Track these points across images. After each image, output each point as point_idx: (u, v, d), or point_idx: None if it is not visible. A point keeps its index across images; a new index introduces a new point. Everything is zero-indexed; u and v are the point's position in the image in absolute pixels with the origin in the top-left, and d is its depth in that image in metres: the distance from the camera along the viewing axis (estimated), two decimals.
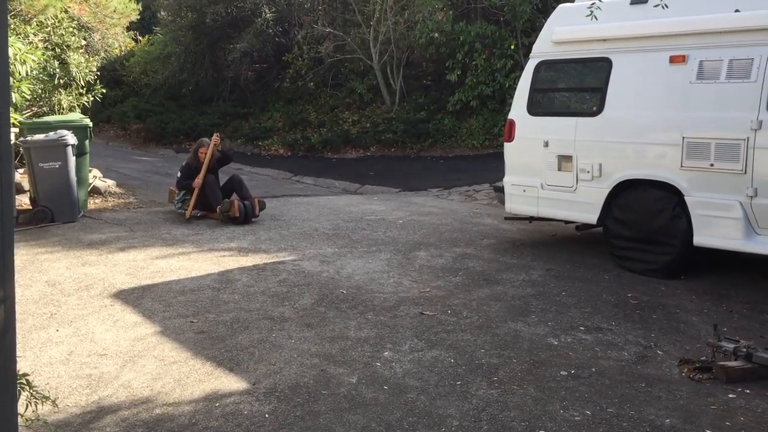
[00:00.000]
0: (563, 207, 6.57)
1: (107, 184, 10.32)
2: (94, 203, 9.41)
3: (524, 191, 6.81)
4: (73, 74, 10.41)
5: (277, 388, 3.89)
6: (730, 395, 3.83)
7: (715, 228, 5.50)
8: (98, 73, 11.33)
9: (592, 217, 6.33)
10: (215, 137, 8.54)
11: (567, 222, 7.17)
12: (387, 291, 5.61)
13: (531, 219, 7.19)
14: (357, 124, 15.71)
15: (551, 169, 6.56)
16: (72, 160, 8.02)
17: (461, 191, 10.76)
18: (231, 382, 3.97)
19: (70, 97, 10.34)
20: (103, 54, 17.06)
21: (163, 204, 9.75)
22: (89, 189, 9.29)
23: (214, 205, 8.25)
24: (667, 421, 3.54)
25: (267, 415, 3.59)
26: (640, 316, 5.04)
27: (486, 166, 12.14)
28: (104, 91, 11.11)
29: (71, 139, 8.01)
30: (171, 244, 7.08)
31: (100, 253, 6.67)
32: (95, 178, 10.11)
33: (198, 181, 8.32)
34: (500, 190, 7.22)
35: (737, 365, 4.02)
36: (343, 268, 6.25)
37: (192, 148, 8.75)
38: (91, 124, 8.79)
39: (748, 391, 3.88)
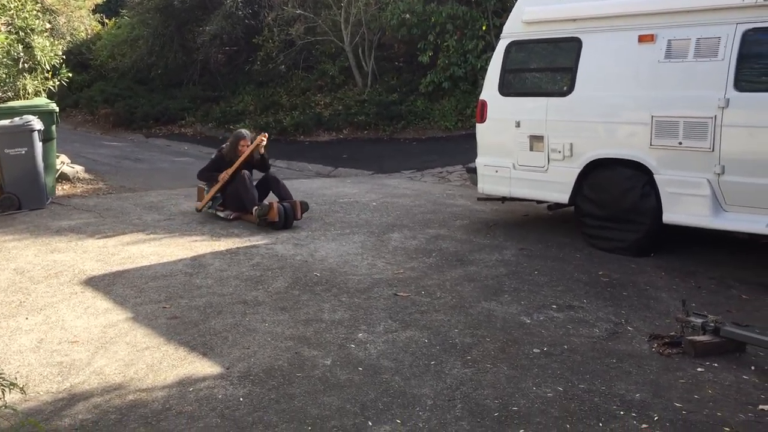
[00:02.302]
0: (535, 187, 6.61)
1: (75, 170, 10.16)
2: (62, 189, 9.27)
3: (496, 172, 6.83)
4: (38, 58, 10.19)
5: (252, 371, 3.89)
6: (699, 369, 3.91)
7: (684, 205, 5.58)
8: (64, 57, 11.10)
9: (563, 196, 6.38)
10: (261, 137, 7.45)
11: (539, 202, 7.22)
12: (361, 273, 5.61)
13: (503, 199, 7.23)
14: (329, 106, 15.63)
15: (523, 150, 6.59)
16: (38, 145, 7.87)
17: (434, 173, 10.78)
18: (205, 367, 3.95)
19: (36, 82, 10.13)
20: (68, 38, 16.74)
21: (134, 189, 9.64)
22: (57, 175, 9.14)
23: (249, 206, 7.18)
24: (637, 395, 3.60)
25: (242, 399, 3.58)
26: (610, 294, 5.10)
27: (459, 147, 12.16)
28: (70, 75, 10.91)
29: (37, 124, 7.85)
30: (142, 229, 7.00)
31: (70, 240, 6.57)
32: (63, 164, 9.95)
33: (224, 174, 7.34)
34: (473, 171, 7.24)
35: (705, 340, 4.10)
36: (317, 251, 6.23)
37: (229, 141, 7.64)
38: (57, 109, 8.63)
39: (716, 364, 3.96)
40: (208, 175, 7.55)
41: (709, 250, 6.13)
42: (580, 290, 5.18)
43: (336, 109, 15.38)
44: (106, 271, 5.64)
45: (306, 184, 9.80)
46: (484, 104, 6.92)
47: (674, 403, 3.51)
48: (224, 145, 7.68)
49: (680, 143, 5.53)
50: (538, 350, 4.15)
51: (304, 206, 7.18)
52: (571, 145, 6.22)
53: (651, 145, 5.71)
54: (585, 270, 5.64)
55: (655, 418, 3.36)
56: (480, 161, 7.03)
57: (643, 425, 3.30)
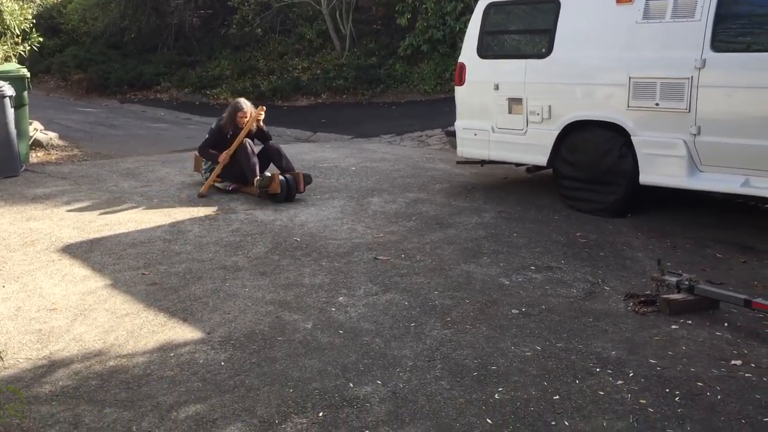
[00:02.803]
0: (514, 150, 6.62)
1: (49, 136, 10.00)
2: (36, 157, 9.13)
3: (475, 135, 6.83)
4: (7, 23, 9.92)
5: (233, 336, 3.90)
6: (673, 326, 3.98)
7: (660, 166, 5.62)
8: (34, 22, 10.82)
9: (542, 159, 6.40)
10: (259, 111, 7.12)
11: (518, 164, 7.25)
12: (341, 237, 5.61)
13: (483, 162, 7.24)
14: (307, 71, 15.47)
15: (502, 112, 6.58)
16: (10, 112, 7.71)
17: (413, 137, 10.75)
18: (185, 332, 3.96)
19: (5, 47, 9.89)
20: (38, 1, 16.32)
21: (110, 156, 9.52)
22: (30, 142, 8.98)
23: (250, 177, 6.83)
24: (613, 352, 3.67)
25: (223, 363, 3.60)
26: (588, 254, 5.16)
27: (438, 111, 12.12)
28: (41, 40, 10.66)
29: (8, 90, 7.68)
30: (119, 196, 6.93)
31: (45, 208, 6.49)
32: (36, 130, 9.77)
33: (225, 156, 6.93)
34: (452, 134, 7.23)
35: (680, 298, 4.17)
36: (297, 216, 6.22)
37: (227, 111, 7.20)
38: (28, 75, 8.43)
39: (689, 322, 4.04)
40: (208, 152, 7.12)
41: (685, 210, 6.20)
42: (558, 251, 5.23)
43: (314, 73, 15.23)
44: (84, 239, 5.59)
45: (285, 150, 9.70)
46: (462, 67, 6.89)
47: (649, 360, 3.58)
48: (222, 116, 7.25)
49: (657, 104, 5.56)
50: (517, 311, 4.21)
51: (307, 179, 6.82)
52: (550, 107, 6.22)
53: (628, 106, 5.73)
54: (563, 231, 5.69)
55: (631, 375, 3.43)
56: (459, 124, 7.02)
57: (619, 381, 3.37)
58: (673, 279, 4.26)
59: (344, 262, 5.06)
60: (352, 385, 3.38)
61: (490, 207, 6.45)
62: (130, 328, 4.01)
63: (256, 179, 6.72)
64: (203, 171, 7.27)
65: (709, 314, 4.14)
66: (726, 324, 4.02)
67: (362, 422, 3.07)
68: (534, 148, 6.41)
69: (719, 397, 3.22)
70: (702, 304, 4.17)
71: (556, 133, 6.22)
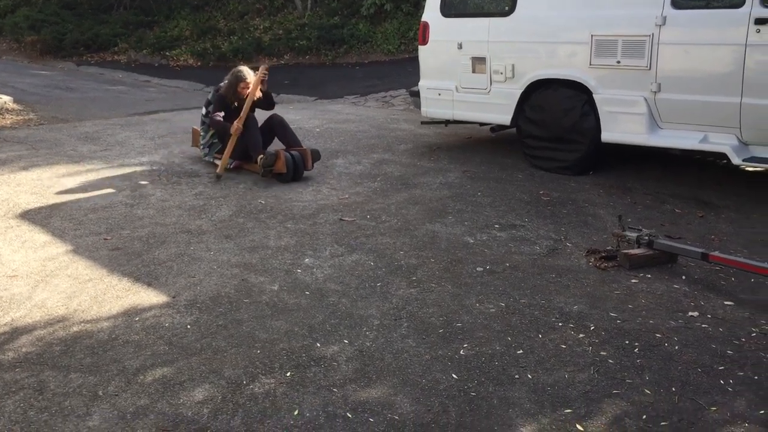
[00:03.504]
0: (478, 109, 6.63)
1: (3, 100, 9.72)
2: None
3: (439, 95, 6.81)
4: None
5: (198, 299, 3.89)
6: (633, 280, 4.08)
7: (622, 124, 5.69)
8: None
9: (505, 118, 6.43)
10: (262, 70, 6.39)
11: (482, 124, 7.27)
12: (306, 199, 5.59)
13: (447, 122, 7.24)
14: (269, 31, 15.20)
15: (465, 72, 6.56)
16: None
17: (378, 97, 10.68)
18: (150, 297, 3.93)
19: None
20: None
21: (67, 120, 9.29)
22: None
23: (253, 153, 6.18)
24: (575, 307, 3.75)
25: (189, 326, 3.59)
26: (551, 212, 5.23)
27: (402, 71, 12.05)
28: None
29: None
30: (78, 161, 6.78)
31: (2, 173, 6.33)
32: None
33: (238, 125, 6.13)
34: (416, 94, 7.20)
35: (639, 252, 4.26)
36: (261, 178, 6.16)
37: (227, 81, 6.42)
38: None
39: (649, 276, 4.14)
40: (219, 123, 6.29)
41: (645, 167, 6.30)
42: (521, 209, 5.29)
43: (276, 33, 14.97)
44: (42, 204, 5.48)
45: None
46: (426, 26, 6.83)
47: (609, 313, 3.67)
48: (221, 85, 6.51)
49: (618, 62, 5.59)
50: (481, 268, 4.26)
51: (315, 155, 6.18)
52: (513, 66, 6.22)
53: (590, 64, 5.75)
54: (526, 190, 5.74)
55: (592, 328, 3.51)
56: (423, 84, 6.99)
57: (580, 335, 3.45)
58: (633, 234, 4.34)
59: (309, 223, 5.05)
60: (319, 345, 3.40)
61: (455, 167, 6.48)
62: (93, 294, 3.97)
63: (260, 157, 6.04)
64: (201, 146, 6.66)
65: (668, 268, 4.24)
66: (684, 277, 4.12)
67: (330, 381, 3.10)
68: (498, 107, 6.43)
69: (676, 347, 3.32)
70: (661, 258, 4.27)
71: (520, 92, 6.23)
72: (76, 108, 10.33)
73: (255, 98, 6.30)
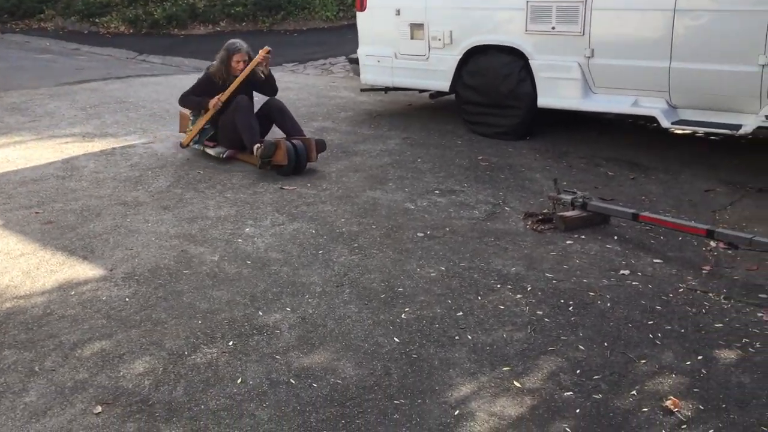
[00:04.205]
0: (417, 76, 6.64)
1: None
2: None
3: (378, 61, 6.79)
4: None
5: (136, 271, 3.82)
6: (568, 242, 4.20)
7: (557, 89, 5.78)
8: None
9: (444, 84, 6.45)
10: (263, 53, 5.63)
11: (421, 91, 7.28)
12: (245, 169, 5.53)
13: (387, 89, 7.23)
14: None
15: (404, 38, 6.55)
16: None
17: (317, 65, 10.57)
18: (86, 270, 3.84)
19: None
20: None
21: None
22: None
23: (248, 142, 5.43)
24: (513, 269, 3.84)
25: (128, 299, 3.54)
26: (489, 177, 5.31)
27: (341, 38, 11.92)
28: None
29: None
30: (5, 133, 6.52)
31: None
32: None
33: (216, 100, 5.57)
34: (355, 61, 7.16)
35: (574, 214, 4.38)
36: (199, 148, 6.05)
37: (218, 56, 5.77)
38: None
39: (583, 237, 4.27)
40: (192, 100, 5.75)
41: (580, 131, 6.44)
42: (461, 175, 5.35)
43: None
44: None
45: (184, 81, 9.36)
46: None
47: (546, 274, 3.77)
48: (212, 63, 5.86)
49: (553, 28, 5.66)
50: (422, 234, 4.31)
51: (321, 145, 5.47)
52: (451, 32, 6.24)
53: (526, 30, 5.81)
54: (465, 155, 5.81)
55: (529, 289, 3.61)
56: (362, 51, 6.95)
57: (518, 296, 3.55)
58: (568, 197, 4.46)
59: (250, 193, 5.01)
60: (261, 313, 3.40)
61: (395, 134, 6.49)
62: (26, 269, 3.86)
63: (256, 147, 5.30)
64: (194, 141, 5.91)
65: (601, 229, 4.38)
66: (616, 237, 4.27)
67: (272, 348, 3.11)
68: (436, 73, 6.45)
69: (609, 304, 3.45)
70: (594, 219, 4.41)
71: (458, 58, 6.26)
72: (1, 78, 9.88)
73: (255, 79, 5.68)
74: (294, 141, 5.37)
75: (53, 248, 4.11)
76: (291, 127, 5.63)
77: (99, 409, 2.71)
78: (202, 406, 2.72)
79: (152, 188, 5.09)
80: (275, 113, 5.71)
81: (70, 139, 6.30)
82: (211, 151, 5.76)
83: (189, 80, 8.09)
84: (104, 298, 3.55)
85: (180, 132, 6.22)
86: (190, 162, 5.67)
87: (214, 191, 5.04)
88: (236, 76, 5.61)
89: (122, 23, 14.48)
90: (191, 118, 5.89)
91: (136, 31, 14.24)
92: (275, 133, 5.83)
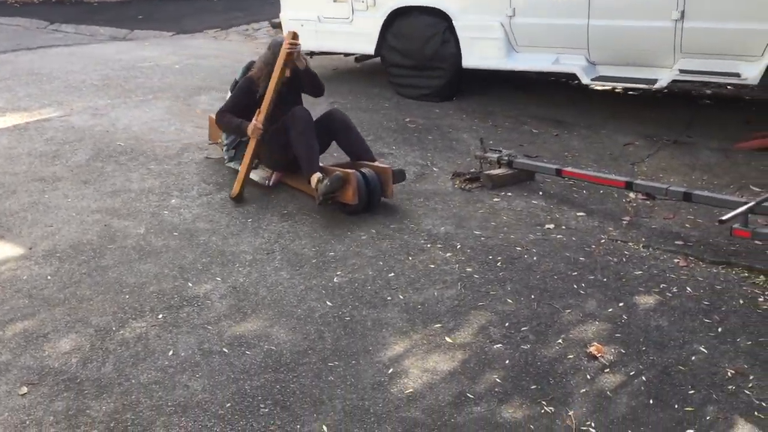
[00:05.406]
0: (342, 39, 6.57)
1: None
2: None
3: (302, 26, 6.66)
4: None
5: (57, 249, 3.70)
6: (495, 199, 4.27)
7: (481, 50, 5.83)
8: None
9: (369, 47, 6.41)
10: (288, 39, 4.13)
11: (347, 54, 7.21)
12: (169, 139, 5.38)
13: (312, 54, 7.11)
14: None
15: (327, 1, 6.45)
16: None
17: (240, 31, 10.32)
18: (4, 250, 3.69)
19: None
20: None
21: None
22: None
23: (307, 169, 4.09)
24: (442, 228, 3.89)
25: (50, 277, 3.42)
26: (417, 139, 5.34)
27: (264, 2, 11.63)
28: None
29: None
30: None
31: None
32: None
33: (252, 126, 4.21)
34: (278, 26, 7.02)
35: (500, 172, 4.46)
36: (119, 119, 5.85)
37: (261, 55, 4.44)
38: None
39: (510, 194, 4.35)
40: (229, 123, 4.37)
41: (504, 91, 6.52)
42: (389, 138, 5.36)
43: None
44: None
45: (100, 50, 9.00)
46: None
47: (474, 232, 3.84)
48: (253, 61, 4.61)
49: None
50: None
51: (399, 176, 4.21)
52: None
53: None
54: (393, 118, 5.81)
55: (458, 247, 3.67)
56: (285, 16, 6.82)
57: (448, 254, 3.60)
58: (494, 156, 4.53)
59: (174, 163, 4.88)
60: (191, 284, 3.35)
61: (322, 99, 6.39)
62: None
63: (316, 178, 3.99)
64: (224, 146, 4.77)
65: (527, 185, 4.48)
66: (540, 193, 4.37)
67: (204, 319, 3.08)
68: (361, 36, 6.39)
69: (535, 258, 3.55)
70: (520, 176, 4.50)
71: (382, 20, 6.22)
72: None
73: (285, 78, 4.22)
74: (365, 171, 4.11)
75: None
76: (359, 149, 4.37)
77: (24, 389, 2.63)
78: (133, 381, 2.68)
79: (71, 163, 4.90)
80: (340, 130, 4.39)
81: None
82: (254, 177, 4.53)
83: (106, 49, 7.80)
84: (24, 277, 3.42)
85: (210, 141, 5.13)
86: (109, 134, 5.48)
87: (137, 163, 4.89)
88: (282, 82, 4.26)
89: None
90: (221, 134, 4.79)
91: None
92: (333, 150, 4.66)
